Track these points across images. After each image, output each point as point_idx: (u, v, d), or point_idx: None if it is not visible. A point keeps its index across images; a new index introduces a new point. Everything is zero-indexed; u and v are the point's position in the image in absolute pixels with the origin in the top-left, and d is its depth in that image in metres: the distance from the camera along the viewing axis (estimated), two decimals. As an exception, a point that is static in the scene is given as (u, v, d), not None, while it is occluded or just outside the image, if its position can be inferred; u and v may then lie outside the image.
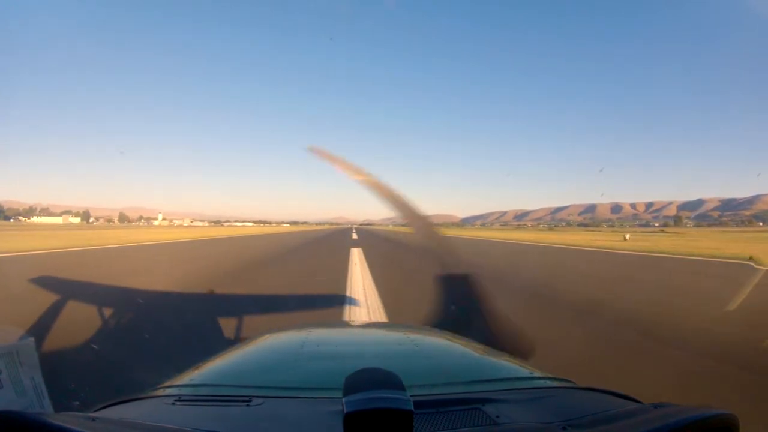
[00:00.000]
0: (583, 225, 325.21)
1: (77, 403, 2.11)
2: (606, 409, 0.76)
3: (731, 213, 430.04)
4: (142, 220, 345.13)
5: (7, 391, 0.84)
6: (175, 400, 0.83)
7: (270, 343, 1.44)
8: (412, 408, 0.57)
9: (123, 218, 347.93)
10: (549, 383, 1.01)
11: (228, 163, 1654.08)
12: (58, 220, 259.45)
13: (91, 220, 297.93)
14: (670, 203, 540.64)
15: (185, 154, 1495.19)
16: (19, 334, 1.02)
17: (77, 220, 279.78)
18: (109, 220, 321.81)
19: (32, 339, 0.96)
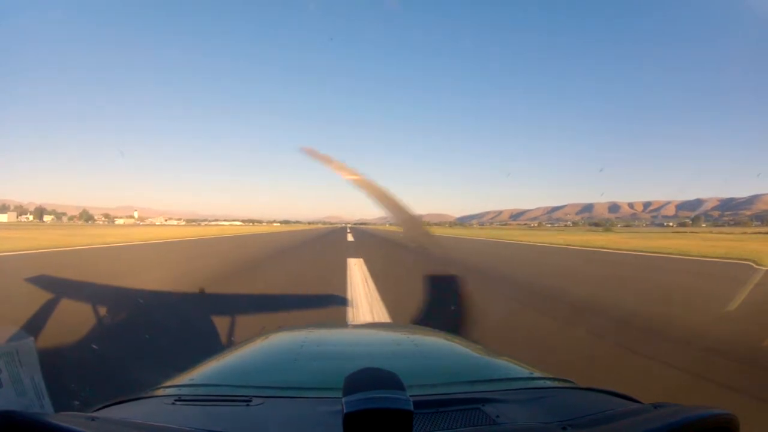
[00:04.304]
0: (594, 224, 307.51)
1: (77, 403, 2.06)
2: (606, 409, 0.76)
3: (731, 213, 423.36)
4: (104, 219, 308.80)
5: (7, 391, 0.83)
6: (175, 400, 0.83)
7: (270, 343, 1.44)
8: (412, 408, 0.57)
9: (85, 216, 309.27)
10: (549, 383, 1.00)
11: (221, 162, 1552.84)
12: (3, 218, 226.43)
13: (45, 218, 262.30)
14: (668, 203, 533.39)
15: (183, 153, 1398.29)
16: (19, 333, 1.00)
17: (31, 217, 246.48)
18: (71, 218, 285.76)
19: (32, 339, 0.94)
